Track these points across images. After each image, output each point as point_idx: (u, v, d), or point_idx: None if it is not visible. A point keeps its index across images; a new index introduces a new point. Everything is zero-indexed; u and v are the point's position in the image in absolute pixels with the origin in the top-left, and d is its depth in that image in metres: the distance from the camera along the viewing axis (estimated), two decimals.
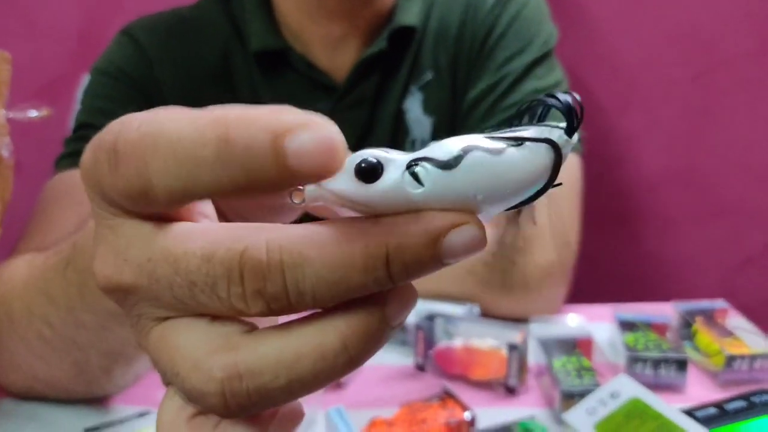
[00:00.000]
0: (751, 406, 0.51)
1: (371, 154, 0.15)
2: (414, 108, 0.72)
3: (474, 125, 0.70)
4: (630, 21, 0.99)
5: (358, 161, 0.15)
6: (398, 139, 0.73)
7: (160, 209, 0.17)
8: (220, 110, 0.16)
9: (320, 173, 0.15)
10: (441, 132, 0.73)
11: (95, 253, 0.18)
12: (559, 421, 0.49)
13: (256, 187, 0.15)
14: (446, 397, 0.49)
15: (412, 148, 0.72)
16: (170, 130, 0.16)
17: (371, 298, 0.16)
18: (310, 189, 0.16)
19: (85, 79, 0.74)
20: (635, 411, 0.46)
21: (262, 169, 0.15)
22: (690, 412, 0.47)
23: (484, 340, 0.55)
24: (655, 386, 0.53)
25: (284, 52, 0.71)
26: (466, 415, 0.46)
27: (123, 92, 0.70)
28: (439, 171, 0.15)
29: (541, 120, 0.17)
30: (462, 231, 0.15)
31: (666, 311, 0.62)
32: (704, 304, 0.62)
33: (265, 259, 0.16)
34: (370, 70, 0.71)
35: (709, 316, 0.61)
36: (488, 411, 0.50)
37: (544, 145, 0.15)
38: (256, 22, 0.72)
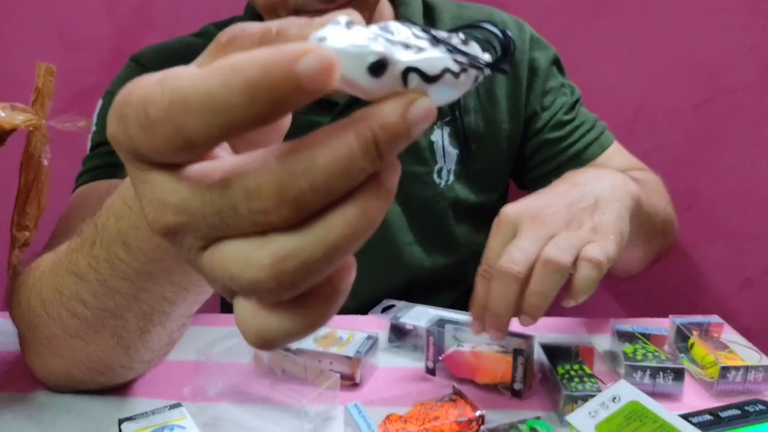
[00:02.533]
0: (745, 415, 0.54)
1: (380, 54, 0.20)
2: (441, 140, 0.80)
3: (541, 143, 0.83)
4: (633, 52, 1.03)
5: (373, 60, 0.20)
6: (426, 166, 0.80)
7: (198, 156, 0.20)
8: (232, 59, 0.19)
9: (326, 86, 0.19)
10: (466, 162, 0.81)
11: (142, 207, 0.22)
12: (563, 423, 0.52)
13: (280, 112, 0.19)
14: (457, 397, 0.52)
15: (439, 176, 0.80)
16: (197, 90, 0.19)
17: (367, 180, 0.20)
18: None
19: (99, 103, 0.79)
20: (635, 413, 0.49)
21: (283, 95, 0.18)
22: (686, 418, 0.50)
23: (491, 346, 0.58)
24: (653, 394, 0.55)
25: None
26: (478, 413, 0.49)
27: None
28: (422, 81, 0.20)
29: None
30: (420, 103, 0.20)
31: (663, 325, 0.66)
32: (700, 318, 0.65)
33: (277, 172, 0.19)
34: None
35: (705, 330, 0.64)
36: (495, 413, 0.53)
37: (476, 70, 0.22)
38: None
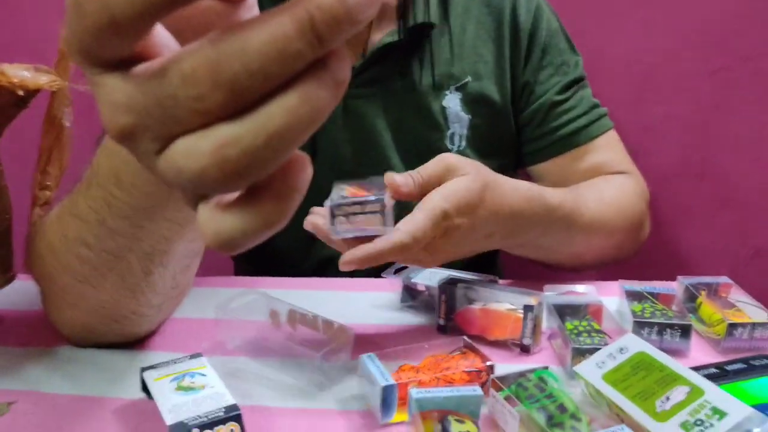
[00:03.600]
0: (750, 368, 0.55)
1: None
2: (454, 105, 0.80)
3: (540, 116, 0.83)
4: (648, 17, 1.03)
5: None
6: (438, 132, 0.81)
7: (130, 40, 0.20)
8: None
9: None
10: (480, 130, 0.81)
11: (101, 114, 0.21)
12: (571, 376, 0.53)
13: None
14: (467, 350, 0.54)
15: (451, 141, 0.80)
16: None
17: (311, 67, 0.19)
18: None
19: None
20: (641, 363, 0.50)
21: None
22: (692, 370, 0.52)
23: (501, 305, 0.59)
24: (660, 350, 0.57)
25: None
26: (488, 363, 0.50)
27: None
28: None
29: None
30: None
31: (672, 286, 0.66)
32: (709, 279, 0.66)
33: (210, 54, 0.19)
34: (385, 54, 0.79)
35: (714, 290, 0.65)
36: (504, 366, 0.54)
37: None
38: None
